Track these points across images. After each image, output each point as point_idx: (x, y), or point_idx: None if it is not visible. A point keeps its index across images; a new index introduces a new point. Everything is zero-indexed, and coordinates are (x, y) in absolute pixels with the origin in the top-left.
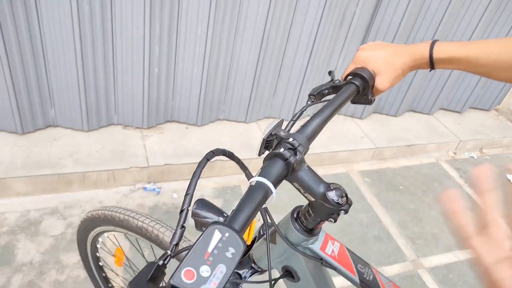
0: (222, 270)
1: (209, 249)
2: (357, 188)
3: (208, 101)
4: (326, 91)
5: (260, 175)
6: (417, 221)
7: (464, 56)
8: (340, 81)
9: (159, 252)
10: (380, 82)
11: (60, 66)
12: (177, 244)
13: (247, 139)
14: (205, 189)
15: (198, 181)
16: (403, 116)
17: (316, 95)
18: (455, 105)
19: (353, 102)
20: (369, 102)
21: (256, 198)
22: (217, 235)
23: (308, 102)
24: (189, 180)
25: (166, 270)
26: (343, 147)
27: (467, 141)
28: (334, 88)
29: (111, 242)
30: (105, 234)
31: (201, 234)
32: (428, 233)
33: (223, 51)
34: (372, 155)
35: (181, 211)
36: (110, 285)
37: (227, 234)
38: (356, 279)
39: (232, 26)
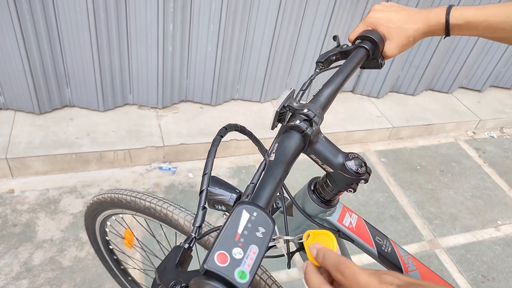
0: (254, 251)
1: (239, 230)
2: (373, 168)
3: (222, 80)
4: (334, 57)
5: (277, 149)
6: (434, 201)
7: (483, 20)
8: (348, 45)
9: (169, 230)
10: (389, 48)
11: (75, 46)
12: (200, 226)
13: (262, 118)
14: (220, 168)
15: (214, 160)
16: (421, 95)
17: (324, 62)
18: (475, 84)
19: (362, 67)
20: (379, 66)
21: (277, 173)
22: (245, 215)
23: (316, 70)
24: (204, 160)
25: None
26: (359, 127)
27: (487, 120)
28: (343, 53)
29: (120, 225)
30: (113, 217)
31: (229, 215)
32: (446, 213)
33: (237, 29)
34: (389, 134)
35: (201, 191)
36: (122, 267)
37: (255, 214)
38: (374, 251)
39: (246, 2)
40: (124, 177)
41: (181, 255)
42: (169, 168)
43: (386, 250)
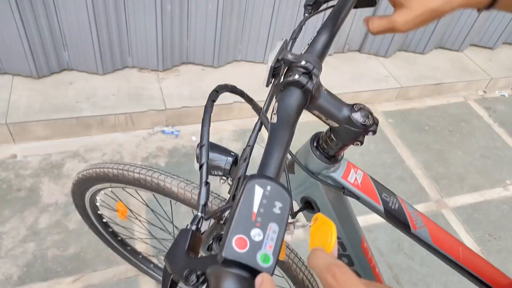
0: (274, 230)
1: (255, 209)
2: (380, 129)
3: (224, 40)
4: None
5: (278, 110)
6: (442, 162)
7: None
8: None
9: (163, 199)
10: (402, 19)
11: (70, 5)
12: (205, 204)
13: None
14: (224, 131)
15: (217, 124)
16: (431, 54)
17: (313, 5)
18: (487, 41)
19: (355, 6)
20: (373, 4)
21: (283, 137)
22: (258, 191)
23: (306, 15)
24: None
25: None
26: (366, 87)
27: (499, 79)
28: None
29: (110, 198)
30: (102, 192)
31: (241, 193)
32: (454, 173)
33: None
34: (397, 95)
35: (201, 166)
36: (119, 238)
37: (268, 188)
38: (381, 208)
39: None
40: (127, 141)
41: (190, 239)
42: (172, 132)
43: (393, 207)
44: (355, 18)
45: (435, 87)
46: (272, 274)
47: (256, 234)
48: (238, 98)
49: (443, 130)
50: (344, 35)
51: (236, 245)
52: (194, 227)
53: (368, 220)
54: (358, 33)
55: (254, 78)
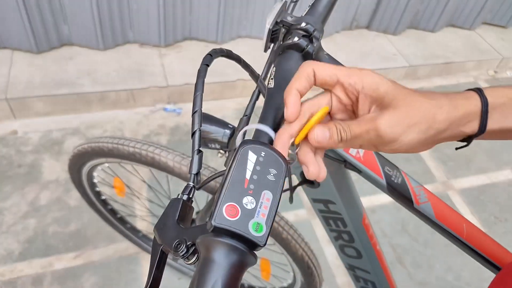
0: (268, 197)
1: (247, 176)
2: None
3: (228, 16)
4: None
5: (276, 74)
6: (449, 143)
7: None
8: None
9: (159, 174)
10: (390, 124)
11: None
12: (197, 173)
13: None
14: (227, 110)
15: (220, 102)
16: (441, 32)
17: None
18: (500, 19)
19: None
20: None
21: (280, 102)
22: (252, 157)
23: None
24: (210, 102)
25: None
26: (374, 66)
27: (510, 59)
28: None
29: (107, 174)
30: (99, 168)
31: (232, 159)
32: (461, 156)
33: None
34: (405, 74)
35: (193, 133)
36: (119, 215)
37: (263, 154)
38: (383, 182)
39: None
40: (128, 119)
41: (181, 209)
42: (174, 109)
43: (396, 181)
44: None
45: (445, 66)
46: (264, 244)
47: (248, 201)
48: (241, 75)
49: None
50: (352, 11)
51: (226, 212)
52: (185, 197)
53: (372, 200)
54: (366, 8)
55: (259, 56)
